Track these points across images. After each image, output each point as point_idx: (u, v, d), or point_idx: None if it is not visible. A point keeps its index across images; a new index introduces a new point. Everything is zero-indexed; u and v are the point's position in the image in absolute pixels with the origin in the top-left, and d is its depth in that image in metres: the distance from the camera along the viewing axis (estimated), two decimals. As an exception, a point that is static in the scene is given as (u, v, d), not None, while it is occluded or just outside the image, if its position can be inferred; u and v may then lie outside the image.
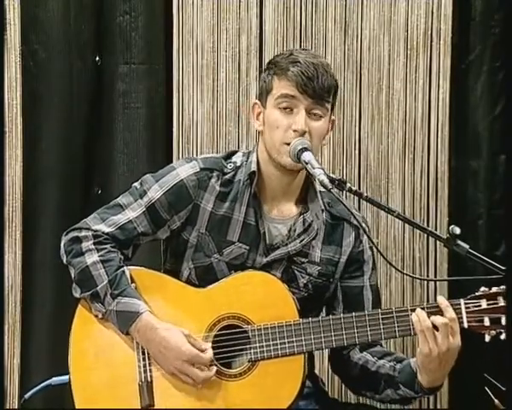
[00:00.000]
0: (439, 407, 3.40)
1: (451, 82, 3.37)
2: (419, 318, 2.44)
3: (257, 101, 2.64)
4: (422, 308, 2.46)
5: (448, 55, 3.36)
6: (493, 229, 3.39)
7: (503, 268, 2.38)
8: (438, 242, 2.53)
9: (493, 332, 2.45)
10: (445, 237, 2.45)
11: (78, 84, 3.30)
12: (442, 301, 2.46)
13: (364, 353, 2.65)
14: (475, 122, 3.40)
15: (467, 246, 2.43)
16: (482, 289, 2.48)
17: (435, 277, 3.40)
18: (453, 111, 3.39)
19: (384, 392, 2.61)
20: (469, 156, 3.42)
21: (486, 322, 2.45)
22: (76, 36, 3.29)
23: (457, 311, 2.46)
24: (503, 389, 2.37)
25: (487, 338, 2.45)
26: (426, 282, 3.40)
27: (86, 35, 3.31)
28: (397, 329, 2.50)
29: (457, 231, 2.42)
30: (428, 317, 2.43)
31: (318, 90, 2.52)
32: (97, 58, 3.33)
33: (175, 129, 3.35)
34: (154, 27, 3.34)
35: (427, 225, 3.30)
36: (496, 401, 2.60)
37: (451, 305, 2.46)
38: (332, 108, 2.61)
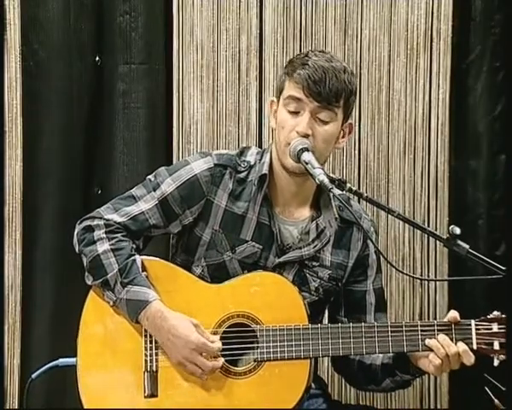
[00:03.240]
0: (439, 406, 3.40)
1: (451, 82, 3.37)
2: (443, 344, 2.46)
3: (274, 98, 2.65)
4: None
5: (448, 55, 3.36)
6: (493, 229, 3.39)
7: (503, 268, 2.38)
8: (438, 242, 2.52)
9: (502, 356, 2.44)
10: (445, 237, 2.45)
11: (78, 84, 3.30)
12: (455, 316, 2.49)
13: None
14: (475, 122, 3.40)
15: (467, 246, 2.43)
16: (495, 312, 2.48)
17: (435, 277, 3.39)
18: (453, 111, 3.38)
19: (384, 382, 2.64)
20: (469, 156, 3.42)
21: (496, 346, 2.45)
22: (76, 36, 3.29)
23: (467, 331, 2.47)
24: (503, 389, 2.37)
25: (496, 362, 2.45)
26: (426, 282, 3.40)
27: (86, 35, 3.30)
28: (405, 343, 2.50)
29: (457, 231, 2.42)
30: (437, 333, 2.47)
31: (325, 94, 2.50)
32: (97, 58, 3.33)
33: (175, 129, 3.35)
34: (154, 27, 3.34)
35: (427, 225, 3.30)
36: (496, 401, 2.60)
37: (461, 324, 2.47)
38: (345, 113, 2.58)
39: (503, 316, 2.46)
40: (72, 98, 3.30)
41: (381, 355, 2.62)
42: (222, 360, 2.50)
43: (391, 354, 2.59)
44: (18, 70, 3.24)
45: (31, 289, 3.28)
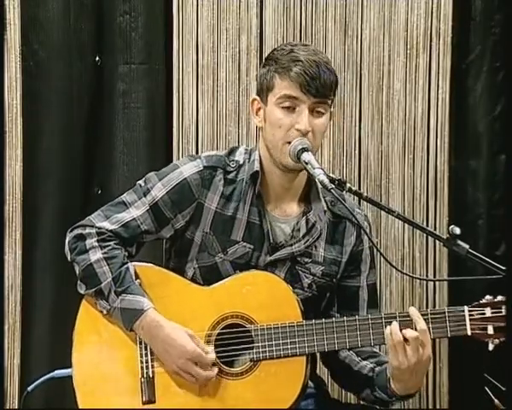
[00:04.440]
0: (438, 407, 3.40)
1: (451, 82, 3.37)
2: (391, 331, 2.43)
3: (256, 97, 2.63)
4: (394, 317, 2.46)
5: (448, 55, 3.36)
6: (493, 229, 3.39)
7: (503, 268, 2.38)
8: (437, 242, 2.52)
9: (497, 341, 2.44)
10: (445, 237, 2.45)
11: (78, 85, 3.30)
12: (413, 312, 2.45)
13: (351, 352, 2.65)
14: (475, 122, 3.39)
15: (467, 246, 2.43)
16: (487, 297, 2.48)
17: (435, 277, 3.40)
18: (453, 111, 3.38)
19: (364, 391, 2.63)
20: (469, 156, 3.41)
21: (490, 330, 2.45)
22: (76, 36, 3.29)
23: (461, 318, 2.46)
24: (503, 389, 2.37)
25: (491, 347, 2.45)
26: (426, 282, 3.40)
27: (86, 35, 3.31)
28: None
29: (457, 231, 2.42)
30: (400, 330, 2.43)
31: (321, 89, 2.51)
32: (97, 58, 3.33)
33: (175, 129, 3.35)
34: (154, 27, 3.34)
35: (427, 225, 3.30)
36: (496, 401, 2.60)
37: (455, 311, 2.46)
38: (332, 100, 2.60)
39: (496, 300, 2.46)
40: (72, 98, 3.30)
41: (368, 366, 2.61)
42: (216, 370, 2.50)
43: (376, 370, 2.58)
44: (18, 70, 3.24)
45: (31, 289, 3.29)
